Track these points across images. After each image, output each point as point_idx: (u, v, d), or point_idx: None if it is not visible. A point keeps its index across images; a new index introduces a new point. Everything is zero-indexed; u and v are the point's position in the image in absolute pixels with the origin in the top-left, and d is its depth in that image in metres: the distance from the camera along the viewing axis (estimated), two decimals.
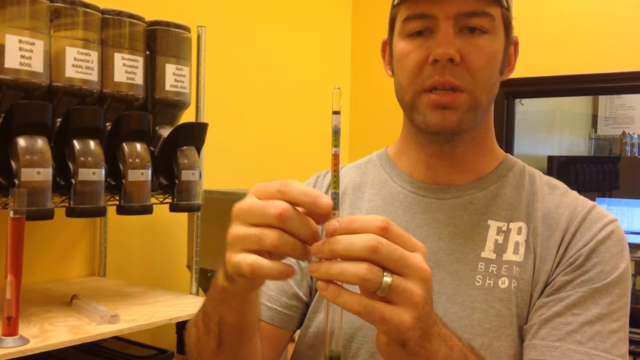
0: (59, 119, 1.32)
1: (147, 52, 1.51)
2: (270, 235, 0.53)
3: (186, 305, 1.48)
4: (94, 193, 1.31)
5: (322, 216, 0.54)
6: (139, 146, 1.42)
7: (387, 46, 0.87)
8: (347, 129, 2.77)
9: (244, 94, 2.26)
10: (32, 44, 1.26)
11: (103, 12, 1.42)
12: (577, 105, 3.60)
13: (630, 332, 0.77)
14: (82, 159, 1.30)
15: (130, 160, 1.40)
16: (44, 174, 1.23)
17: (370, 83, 2.68)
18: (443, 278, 0.78)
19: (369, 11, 2.71)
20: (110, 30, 1.43)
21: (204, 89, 1.70)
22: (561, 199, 0.81)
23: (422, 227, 0.81)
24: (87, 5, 1.37)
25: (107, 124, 1.41)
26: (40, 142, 1.24)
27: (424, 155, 0.84)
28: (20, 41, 1.24)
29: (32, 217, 1.19)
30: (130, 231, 1.85)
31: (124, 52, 1.44)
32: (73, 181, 1.29)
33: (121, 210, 1.41)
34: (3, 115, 1.24)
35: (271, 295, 0.85)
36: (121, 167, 1.39)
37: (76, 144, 1.30)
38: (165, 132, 1.54)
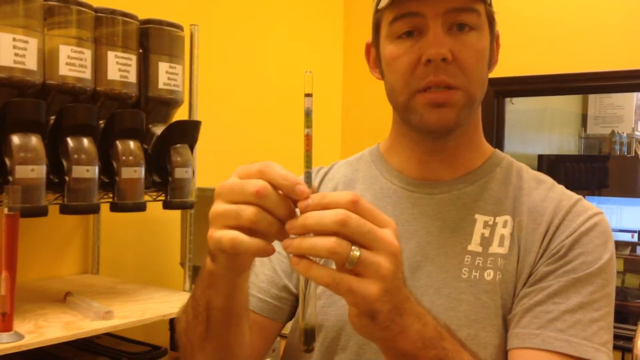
0: (53, 117, 1.33)
1: (140, 51, 1.52)
2: (248, 211, 0.55)
3: (179, 302, 1.47)
4: (87, 190, 1.32)
5: (298, 201, 0.56)
6: (132, 144, 1.43)
7: (372, 49, 0.88)
8: (339, 127, 2.79)
9: (237, 92, 2.27)
10: (26, 42, 1.26)
11: (96, 10, 1.42)
12: (567, 104, 3.63)
13: (619, 328, 0.79)
14: (75, 156, 1.31)
15: (124, 157, 1.41)
16: (38, 171, 1.24)
17: (363, 81, 2.70)
18: (431, 271, 0.80)
19: (361, 8, 2.72)
20: (104, 29, 1.43)
21: (197, 87, 1.71)
22: (547, 193, 0.83)
23: (411, 222, 0.83)
24: (80, 4, 1.37)
25: (101, 122, 1.42)
26: (34, 140, 1.25)
27: (416, 152, 0.86)
28: (14, 39, 1.24)
29: (27, 214, 1.19)
30: (123, 229, 1.86)
31: (117, 51, 1.45)
32: (67, 178, 1.30)
33: (114, 208, 1.41)
34: None
35: (261, 287, 0.87)
36: (114, 164, 1.40)
37: (70, 141, 1.31)
38: (158, 130, 1.55)
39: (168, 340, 1.81)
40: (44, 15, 1.32)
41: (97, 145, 1.35)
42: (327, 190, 0.91)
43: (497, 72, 0.89)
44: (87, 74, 1.37)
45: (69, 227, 1.76)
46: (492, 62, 0.84)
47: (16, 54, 1.25)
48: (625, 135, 3.50)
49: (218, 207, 0.58)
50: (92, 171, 1.33)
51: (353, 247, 0.53)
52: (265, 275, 0.88)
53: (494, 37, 0.83)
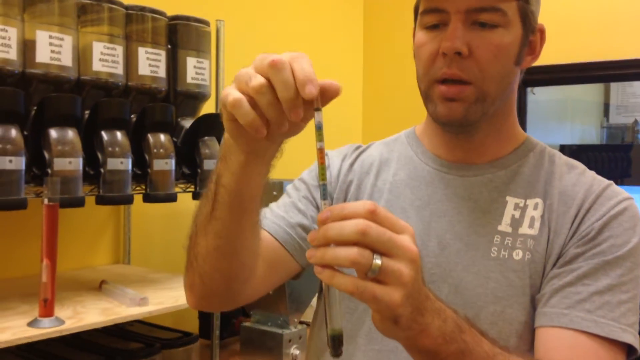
0: (87, 111, 1.38)
1: (169, 46, 1.57)
2: (257, 79, 0.58)
3: None
4: (122, 182, 1.37)
5: (304, 101, 0.58)
6: (163, 137, 1.48)
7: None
8: (360, 121, 2.82)
9: None
10: (62, 39, 1.31)
11: (127, 8, 1.47)
12: (588, 93, 3.61)
13: None
14: (110, 149, 1.36)
15: (155, 150, 1.46)
16: (75, 164, 1.29)
17: (382, 75, 2.72)
18: (460, 249, 0.82)
19: (381, 4, 2.74)
20: (134, 25, 1.48)
21: (223, 81, 1.75)
22: (578, 177, 0.84)
23: (443, 202, 0.86)
24: (111, 2, 1.42)
25: (132, 116, 1.47)
26: (71, 133, 1.30)
27: (444, 138, 0.89)
28: (50, 37, 1.29)
29: (65, 205, 1.25)
30: (153, 220, 1.91)
31: (147, 46, 1.49)
32: (102, 170, 1.35)
33: (147, 199, 1.46)
34: (35, 108, 1.30)
35: (291, 223, 0.89)
36: (146, 157, 1.45)
37: (104, 134, 1.36)
38: (187, 123, 1.59)
39: (197, 327, 1.86)
40: (77, 13, 1.37)
41: (129, 139, 1.40)
42: (363, 167, 0.94)
43: None
44: (119, 70, 1.42)
45: (101, 219, 1.82)
46: (524, 57, 0.84)
47: (52, 51, 1.30)
48: None
49: (243, 70, 0.61)
50: (126, 163, 1.38)
51: (374, 256, 0.55)
52: (298, 218, 0.90)
53: (529, 33, 0.83)
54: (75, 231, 1.72)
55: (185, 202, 1.60)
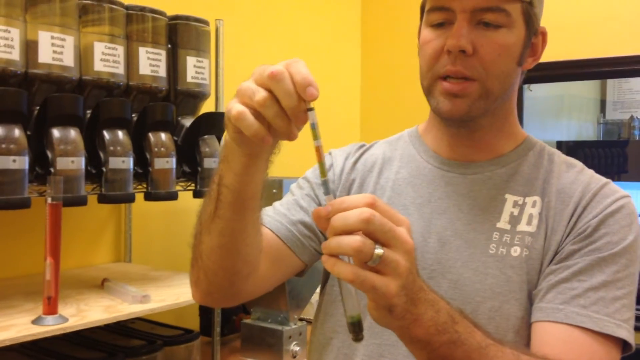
0: (89, 111, 1.39)
1: (169, 46, 1.58)
2: (260, 93, 0.61)
3: None
4: (123, 180, 1.39)
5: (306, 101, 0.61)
6: (163, 136, 1.49)
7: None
8: (358, 119, 2.83)
9: None
10: (63, 39, 1.32)
11: (127, 8, 1.48)
12: (585, 90, 3.62)
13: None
14: (111, 148, 1.37)
15: (156, 149, 1.47)
16: (77, 163, 1.30)
17: (380, 74, 2.74)
18: (459, 246, 0.84)
19: (379, 3, 2.75)
20: (135, 25, 1.49)
21: (223, 80, 1.76)
22: (577, 176, 0.86)
23: (444, 199, 0.88)
24: (112, 2, 1.43)
25: (133, 115, 1.48)
26: (73, 133, 1.31)
27: (446, 135, 0.91)
28: (52, 37, 1.30)
29: (68, 204, 1.26)
30: (153, 218, 1.92)
31: (148, 46, 1.50)
32: (104, 169, 1.36)
33: (149, 197, 1.48)
34: (37, 108, 1.31)
35: (292, 220, 0.91)
36: (148, 155, 1.46)
37: (106, 134, 1.37)
38: (187, 122, 1.60)
39: (198, 324, 1.87)
40: (79, 14, 1.38)
41: (130, 138, 1.41)
42: (366, 165, 0.96)
43: None
44: (120, 69, 1.43)
45: (102, 217, 1.83)
46: (526, 58, 0.86)
47: (54, 51, 1.31)
48: None
49: (244, 84, 0.64)
50: (127, 162, 1.39)
51: (376, 246, 0.57)
52: (300, 215, 0.92)
53: (532, 34, 0.85)
54: (78, 230, 1.74)
55: (186, 200, 1.62)
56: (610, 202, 0.82)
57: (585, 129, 3.67)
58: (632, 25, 2.19)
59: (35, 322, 1.19)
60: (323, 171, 0.62)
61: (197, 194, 1.59)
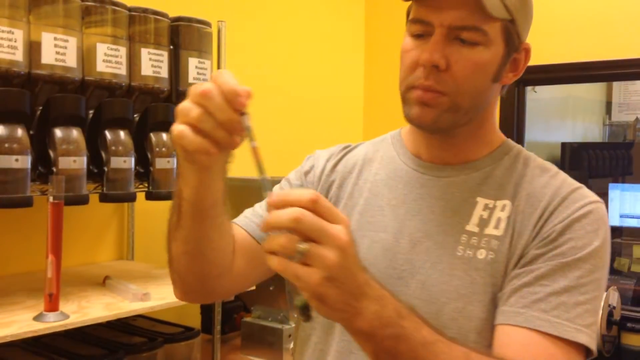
0: (91, 111, 1.41)
1: (171, 47, 1.60)
2: (194, 110, 0.65)
3: None
4: (125, 180, 1.41)
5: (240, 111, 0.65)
6: (165, 136, 1.51)
7: None
8: (361, 120, 2.84)
9: (263, 84, 2.33)
10: (66, 40, 1.34)
11: (130, 9, 1.50)
12: (591, 92, 3.62)
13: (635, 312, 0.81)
14: (113, 148, 1.39)
15: (157, 149, 1.49)
16: (79, 162, 1.33)
17: (384, 74, 2.74)
18: (429, 247, 0.86)
19: (383, 2, 2.76)
20: (137, 27, 1.51)
21: None
22: (549, 180, 0.86)
23: (417, 201, 0.89)
24: (115, 3, 1.45)
25: (135, 115, 1.50)
26: (75, 133, 1.33)
27: (423, 139, 0.92)
28: (55, 38, 1.32)
29: (70, 202, 1.28)
30: (155, 217, 1.93)
31: (150, 47, 1.52)
32: (105, 169, 1.38)
33: (150, 196, 1.50)
34: (40, 108, 1.33)
35: (260, 214, 0.95)
36: (149, 155, 1.48)
37: (108, 134, 1.40)
38: None
39: (199, 322, 1.89)
40: (81, 15, 1.40)
41: (132, 138, 1.43)
42: (347, 167, 0.98)
43: None
44: (122, 70, 1.45)
45: (105, 216, 1.85)
46: (504, 74, 0.87)
47: (57, 52, 1.33)
48: None
49: (181, 104, 0.67)
50: (129, 162, 1.41)
51: (302, 242, 0.61)
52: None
53: (512, 51, 0.85)
54: (80, 228, 1.76)
55: None
56: (578, 207, 0.82)
57: (591, 131, 3.67)
58: (638, 27, 2.18)
59: (37, 318, 1.21)
60: (262, 170, 0.66)
61: None
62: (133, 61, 1.50)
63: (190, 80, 1.61)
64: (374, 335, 0.67)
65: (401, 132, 1.00)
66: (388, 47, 2.72)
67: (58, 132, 1.31)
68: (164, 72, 1.55)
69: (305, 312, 0.66)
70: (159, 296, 1.42)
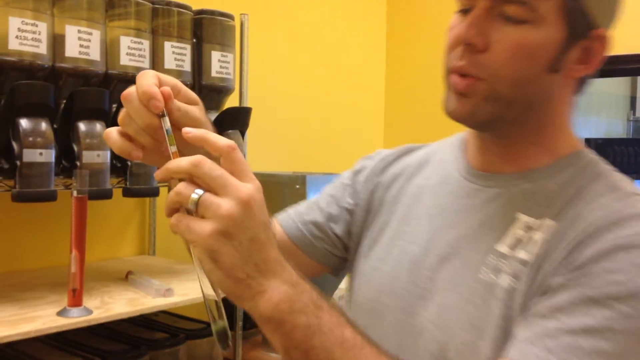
0: (115, 105, 1.40)
1: (194, 40, 1.58)
2: (121, 113, 0.64)
3: None
4: (147, 174, 1.39)
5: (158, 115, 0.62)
6: None
7: None
8: (382, 116, 2.81)
9: (285, 78, 2.31)
10: (90, 33, 1.33)
11: (153, 2, 1.48)
12: (615, 86, 3.56)
13: None
14: None
15: None
16: (103, 157, 1.32)
17: (406, 72, 2.71)
18: (456, 266, 0.75)
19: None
20: (160, 20, 1.50)
21: (247, 74, 1.76)
22: (610, 201, 0.69)
23: (457, 212, 0.79)
24: None
25: None
26: (99, 127, 1.32)
27: (478, 141, 0.81)
28: (79, 31, 1.31)
29: (94, 197, 1.27)
30: None
31: (173, 40, 1.51)
32: (129, 163, 1.37)
33: None
34: (64, 101, 1.32)
35: (304, 220, 0.91)
36: None
37: None
38: (211, 116, 1.61)
39: None
40: (105, 8, 1.39)
41: None
42: (399, 167, 0.91)
43: None
44: (145, 64, 1.44)
45: (127, 211, 1.84)
46: (560, 64, 0.72)
47: (81, 45, 1.32)
48: None
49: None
50: None
51: (197, 190, 0.56)
52: (314, 215, 0.91)
53: (575, 37, 0.71)
54: (103, 222, 1.75)
55: None
56: (631, 233, 0.64)
57: (615, 126, 3.61)
58: None
59: (60, 313, 1.20)
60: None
61: None
62: (156, 54, 1.48)
63: (213, 74, 1.60)
64: (282, 322, 0.57)
65: (467, 132, 0.86)
66: (410, 40, 2.69)
67: (82, 126, 1.30)
68: (187, 66, 1.54)
69: (221, 337, 0.60)
70: (181, 292, 1.41)
